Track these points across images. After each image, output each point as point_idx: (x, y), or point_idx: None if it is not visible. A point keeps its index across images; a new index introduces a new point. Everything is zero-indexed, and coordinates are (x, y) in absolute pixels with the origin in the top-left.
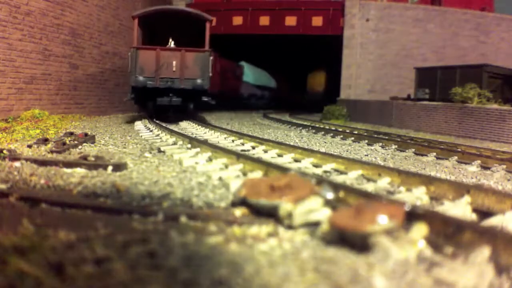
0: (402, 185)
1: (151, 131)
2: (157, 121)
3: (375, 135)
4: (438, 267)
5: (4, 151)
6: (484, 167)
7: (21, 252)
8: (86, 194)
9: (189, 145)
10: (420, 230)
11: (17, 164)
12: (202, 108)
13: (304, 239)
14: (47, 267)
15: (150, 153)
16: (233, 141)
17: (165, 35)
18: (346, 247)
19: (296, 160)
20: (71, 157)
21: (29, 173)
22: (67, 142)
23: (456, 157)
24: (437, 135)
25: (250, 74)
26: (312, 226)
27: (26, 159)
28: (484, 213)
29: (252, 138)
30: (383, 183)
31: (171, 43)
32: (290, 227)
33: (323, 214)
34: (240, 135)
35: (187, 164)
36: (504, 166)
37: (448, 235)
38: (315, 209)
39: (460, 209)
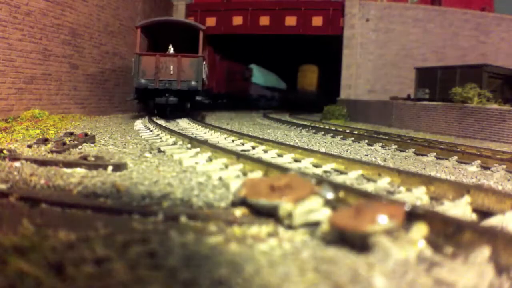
0: (402, 185)
1: (151, 131)
2: (157, 121)
3: (375, 135)
4: (438, 267)
5: (4, 151)
6: (484, 167)
7: (21, 252)
8: (86, 194)
9: (189, 145)
10: (420, 230)
11: (17, 164)
12: (202, 108)
13: (304, 239)
14: (47, 267)
15: (150, 153)
16: (233, 141)
17: (166, 42)
18: (346, 247)
19: (296, 160)
20: (71, 157)
21: (29, 173)
22: (67, 142)
23: (456, 157)
24: (437, 135)
25: (260, 76)
26: (312, 226)
27: (26, 159)
28: (484, 213)
29: (252, 138)
30: (383, 183)
31: (171, 49)
32: (290, 227)
33: (323, 214)
34: (240, 135)
35: (187, 164)
36: (504, 166)
37: (448, 235)
38: (315, 209)
39: (460, 209)
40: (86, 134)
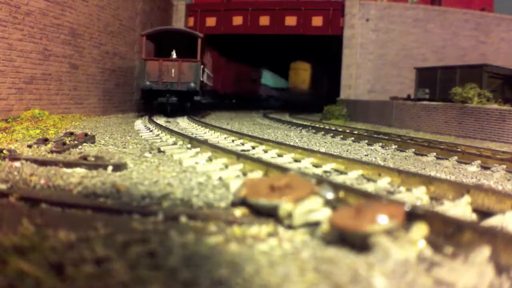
0: (402, 185)
1: (151, 131)
2: (157, 121)
3: (375, 135)
4: (438, 267)
5: (4, 151)
6: (484, 167)
7: (21, 252)
8: (86, 194)
9: (189, 145)
10: (420, 230)
11: (17, 164)
12: (203, 108)
13: (304, 239)
14: (47, 267)
15: (150, 153)
16: (233, 141)
17: (169, 47)
18: (346, 247)
19: (296, 160)
20: (71, 157)
21: (29, 173)
22: (67, 142)
23: (456, 157)
24: (437, 135)
25: (269, 77)
26: (312, 226)
27: (26, 159)
28: (484, 213)
29: (252, 138)
30: (383, 183)
31: (173, 54)
32: (290, 227)
33: (323, 214)
34: (240, 135)
35: (187, 164)
36: (504, 166)
37: (448, 235)
38: (315, 209)
39: (460, 209)
40: (86, 134)
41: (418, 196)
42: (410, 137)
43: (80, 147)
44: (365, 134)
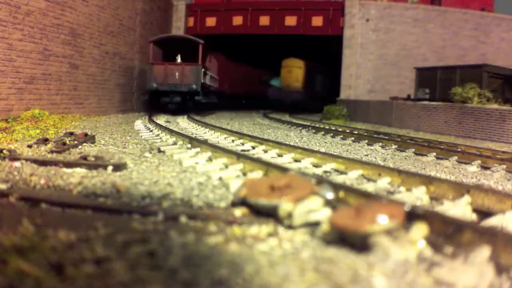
0: (402, 185)
1: (151, 131)
2: (157, 121)
3: (375, 135)
4: (438, 267)
5: (4, 151)
6: (484, 167)
7: (21, 252)
8: (86, 194)
9: (189, 145)
10: (420, 230)
11: (17, 164)
12: (202, 108)
13: (304, 239)
14: (47, 267)
15: (150, 153)
16: (233, 141)
17: (174, 52)
18: (346, 247)
19: (296, 160)
20: (71, 157)
21: (29, 173)
22: (67, 142)
23: (456, 157)
24: (437, 135)
25: (278, 79)
26: (312, 226)
27: (26, 159)
28: (484, 213)
29: (252, 138)
30: (383, 183)
31: (178, 59)
32: (290, 227)
33: (323, 214)
34: (240, 135)
35: (187, 164)
36: (504, 166)
37: (448, 235)
38: (315, 209)
39: (460, 209)
40: (86, 134)
41: (418, 196)
42: (410, 137)
43: (80, 147)
44: (365, 134)
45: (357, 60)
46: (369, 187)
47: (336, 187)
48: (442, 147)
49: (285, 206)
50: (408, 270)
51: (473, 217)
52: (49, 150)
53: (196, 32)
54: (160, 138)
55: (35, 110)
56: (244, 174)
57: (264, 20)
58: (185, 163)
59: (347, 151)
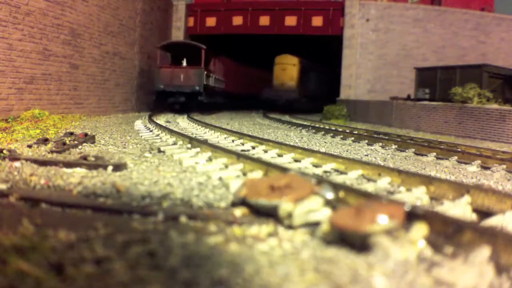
0: (402, 185)
1: (151, 131)
2: (157, 121)
3: (375, 135)
4: (438, 267)
5: (4, 151)
6: (484, 167)
7: (21, 252)
8: (86, 194)
9: (189, 145)
10: (420, 230)
11: (17, 164)
12: (206, 108)
13: (304, 239)
14: (47, 267)
15: (150, 153)
16: (233, 141)
17: (180, 56)
18: (346, 247)
19: (296, 160)
20: (71, 157)
21: (29, 173)
22: (67, 142)
23: (456, 157)
24: (437, 135)
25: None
26: (312, 226)
27: (26, 159)
28: (484, 213)
29: (252, 138)
30: (383, 183)
31: (184, 63)
32: (290, 227)
33: (323, 214)
34: (240, 135)
35: (187, 164)
36: (504, 166)
37: (448, 235)
38: (315, 209)
39: (460, 209)
40: (86, 134)
41: (418, 196)
42: (410, 137)
43: (80, 147)
44: (365, 134)
45: (357, 60)
46: (369, 187)
47: (336, 187)
48: (442, 147)
49: (285, 206)
50: (408, 270)
51: (473, 217)
52: (49, 150)
53: (196, 32)
54: (160, 138)
55: (35, 110)
56: (244, 174)
57: (264, 20)
58: (185, 163)
59: (347, 151)
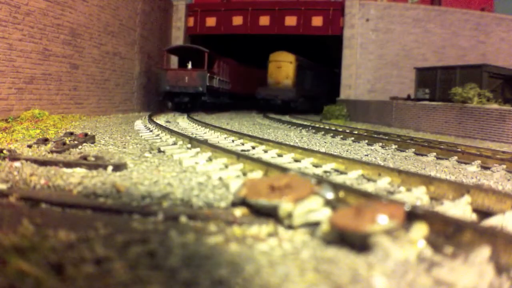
0: (402, 185)
1: (151, 131)
2: (157, 121)
3: (375, 135)
4: (438, 267)
5: (4, 151)
6: (484, 167)
7: (21, 252)
8: (86, 194)
9: (189, 145)
10: (420, 230)
11: (17, 164)
12: (207, 108)
13: (304, 239)
14: (47, 267)
15: (150, 153)
16: (233, 141)
17: (186, 59)
18: (346, 247)
19: (296, 160)
20: (71, 157)
21: (29, 173)
22: (67, 142)
23: (456, 157)
24: (437, 135)
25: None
26: (312, 226)
27: (26, 159)
28: (484, 213)
29: (252, 138)
30: (383, 183)
31: (189, 65)
32: (290, 227)
33: (323, 214)
34: (240, 135)
35: (187, 164)
36: (504, 166)
37: (448, 235)
38: (315, 209)
39: (460, 209)
40: (86, 134)
41: (418, 196)
42: (410, 137)
43: (80, 147)
44: (365, 134)
45: (357, 60)
46: (369, 187)
47: (336, 187)
48: (442, 147)
49: (285, 206)
50: (408, 270)
51: (473, 217)
52: (49, 150)
53: (196, 32)
54: (160, 138)
55: (35, 110)
56: (244, 174)
57: (264, 20)
58: (185, 163)
59: (347, 151)
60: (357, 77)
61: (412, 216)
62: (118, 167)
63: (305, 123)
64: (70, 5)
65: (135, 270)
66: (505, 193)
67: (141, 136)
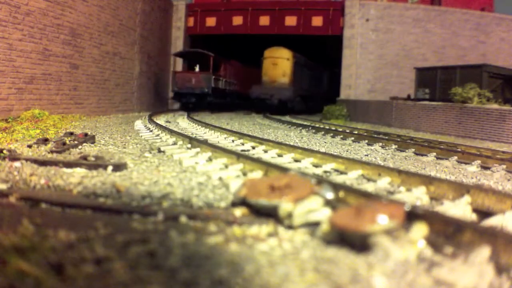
0: (402, 185)
1: (151, 131)
2: (157, 121)
3: (375, 135)
4: (438, 267)
5: (4, 151)
6: (484, 167)
7: (21, 252)
8: (86, 194)
9: (189, 145)
10: (420, 230)
11: (17, 164)
12: (213, 107)
13: (304, 239)
14: (47, 267)
15: (150, 153)
16: (233, 141)
17: (193, 63)
18: (346, 247)
19: (296, 160)
20: (71, 157)
21: (29, 173)
22: (67, 142)
23: (456, 157)
24: (437, 135)
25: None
26: (312, 226)
27: (26, 159)
28: (484, 213)
29: (252, 138)
30: (383, 183)
31: (197, 68)
32: (290, 227)
33: (323, 214)
34: (240, 135)
35: (187, 164)
36: (504, 166)
37: (448, 235)
38: (315, 209)
39: (460, 209)
40: (86, 134)
41: (418, 196)
42: (410, 137)
43: (80, 147)
44: (365, 134)
45: (357, 60)
46: (369, 187)
47: (336, 187)
48: (442, 147)
49: (285, 206)
50: (408, 270)
51: (473, 217)
52: (49, 150)
53: (196, 32)
54: (160, 138)
55: (35, 110)
56: (244, 174)
57: (264, 20)
58: (185, 163)
59: (347, 151)
60: (357, 77)
61: (412, 216)
62: (118, 167)
63: (305, 123)
64: (70, 5)
65: (135, 270)
66: (505, 193)
67: (141, 136)
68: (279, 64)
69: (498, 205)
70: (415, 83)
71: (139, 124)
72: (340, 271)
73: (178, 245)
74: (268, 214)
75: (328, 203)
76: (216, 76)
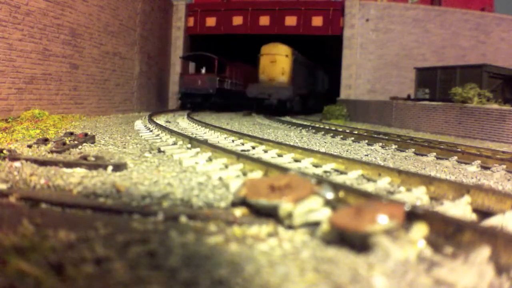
0: (402, 185)
1: (151, 131)
2: (157, 121)
3: (375, 135)
4: (438, 267)
5: (4, 151)
6: (484, 167)
7: (21, 252)
8: (86, 194)
9: (189, 145)
10: (420, 230)
11: (17, 164)
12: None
13: (304, 239)
14: (47, 267)
15: (150, 153)
16: (233, 141)
17: (200, 65)
18: (346, 247)
19: (296, 160)
20: (71, 157)
21: (29, 173)
22: (67, 142)
23: (456, 157)
24: (437, 135)
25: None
26: (312, 226)
27: (26, 159)
28: (484, 213)
29: (252, 138)
30: (383, 183)
31: (203, 70)
32: (290, 227)
33: (323, 214)
34: (240, 135)
35: (187, 164)
36: (504, 166)
37: (448, 235)
38: (315, 209)
39: (460, 209)
40: (86, 134)
41: (418, 196)
42: (410, 137)
43: (80, 147)
44: (365, 134)
45: (357, 60)
46: (369, 187)
47: (336, 187)
48: (442, 147)
49: (285, 206)
50: (408, 270)
51: (473, 217)
52: (49, 150)
53: (196, 32)
54: (160, 138)
55: (35, 110)
56: (244, 174)
57: (264, 20)
58: (185, 163)
59: (347, 151)
60: (357, 77)
61: (412, 216)
62: (118, 167)
63: (305, 123)
64: (70, 5)
65: (135, 270)
66: (505, 193)
67: (141, 136)
68: (278, 61)
69: (498, 205)
70: (415, 83)
71: (139, 124)
72: (340, 271)
73: (178, 245)
74: (268, 214)
75: (328, 203)
76: (221, 78)
